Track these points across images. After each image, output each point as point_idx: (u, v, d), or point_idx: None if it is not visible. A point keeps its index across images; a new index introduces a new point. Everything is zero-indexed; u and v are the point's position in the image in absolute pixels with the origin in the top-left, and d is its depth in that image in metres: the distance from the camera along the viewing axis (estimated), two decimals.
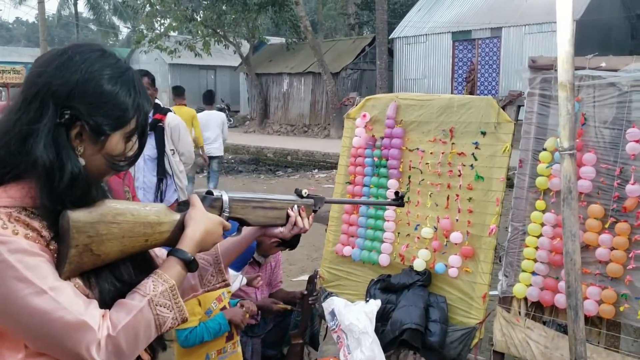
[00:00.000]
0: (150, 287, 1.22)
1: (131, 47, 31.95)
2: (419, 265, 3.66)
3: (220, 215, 1.41)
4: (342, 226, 4.12)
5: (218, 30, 22.14)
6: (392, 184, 3.90)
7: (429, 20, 19.45)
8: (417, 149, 3.82)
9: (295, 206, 1.58)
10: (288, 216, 1.57)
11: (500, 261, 3.41)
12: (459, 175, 3.60)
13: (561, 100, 1.90)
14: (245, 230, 1.56)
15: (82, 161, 1.21)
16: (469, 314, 3.46)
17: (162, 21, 24.28)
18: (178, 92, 8.17)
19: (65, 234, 1.18)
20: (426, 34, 19.48)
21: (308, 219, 1.61)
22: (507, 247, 3.34)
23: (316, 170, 13.91)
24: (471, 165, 3.57)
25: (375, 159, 4.01)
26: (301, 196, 1.61)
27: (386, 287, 3.69)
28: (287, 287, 4.37)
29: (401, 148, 3.88)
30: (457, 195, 3.60)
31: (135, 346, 1.18)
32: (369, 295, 3.73)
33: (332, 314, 3.38)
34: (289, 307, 3.51)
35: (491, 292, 3.48)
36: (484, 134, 3.54)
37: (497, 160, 3.47)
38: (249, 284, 3.28)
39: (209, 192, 1.43)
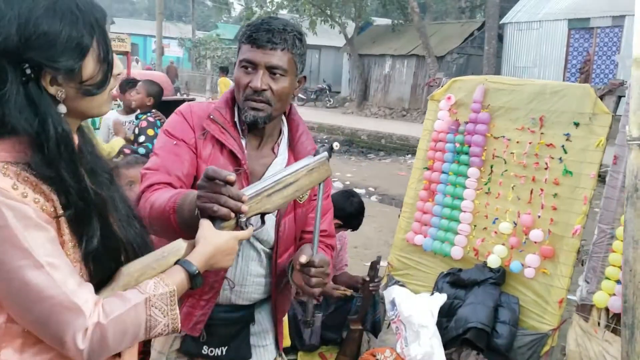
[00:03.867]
0: (151, 287, 1.16)
1: (241, 24, 32.76)
2: (493, 261, 3.42)
3: (237, 222, 1.34)
4: (416, 213, 3.92)
5: (326, 10, 22.11)
6: (473, 172, 3.65)
7: (545, 6, 18.38)
8: (503, 136, 3.55)
9: None
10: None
11: (582, 265, 3.11)
12: (546, 169, 3.31)
13: (634, 80, 1.61)
14: None
15: (63, 108, 1.13)
16: (543, 319, 3.19)
17: None
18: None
19: None
20: (540, 20, 18.43)
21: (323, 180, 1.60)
22: (591, 250, 3.03)
23: (409, 156, 13.56)
24: (560, 159, 3.26)
25: (457, 145, 3.77)
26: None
27: (455, 281, 3.48)
28: (361, 271, 4.23)
29: (486, 135, 3.62)
30: (542, 190, 3.31)
31: (120, 341, 1.12)
32: (436, 288, 3.54)
33: (393, 303, 3.24)
34: (349, 292, 3.40)
35: (570, 297, 3.19)
36: (577, 125, 3.22)
37: (589, 155, 3.15)
38: None
39: None
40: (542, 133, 3.37)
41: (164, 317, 1.16)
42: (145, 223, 1.37)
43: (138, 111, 5.06)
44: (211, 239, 1.29)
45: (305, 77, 1.82)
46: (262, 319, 1.95)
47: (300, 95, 25.66)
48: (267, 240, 1.83)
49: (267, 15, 1.99)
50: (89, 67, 1.15)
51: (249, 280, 1.85)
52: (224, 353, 1.86)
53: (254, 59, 1.68)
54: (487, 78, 3.77)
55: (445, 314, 3.31)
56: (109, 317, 1.09)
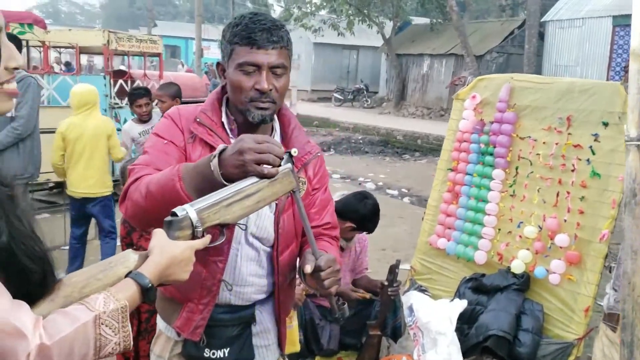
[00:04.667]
0: (101, 303, 1.06)
1: None
2: (517, 267, 3.30)
3: (193, 233, 1.27)
4: (439, 216, 3.83)
5: (364, 10, 22.00)
6: (498, 174, 3.54)
7: (588, 3, 17.85)
8: (529, 137, 3.43)
9: None
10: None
11: (610, 272, 2.96)
12: (573, 170, 3.18)
13: (632, 74, 1.48)
14: None
15: None
16: (568, 328, 3.05)
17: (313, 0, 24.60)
18: None
19: None
20: (583, 18, 17.91)
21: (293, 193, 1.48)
22: (619, 256, 2.88)
23: None
24: (587, 160, 3.13)
25: (482, 146, 3.67)
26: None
27: (478, 287, 3.37)
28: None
29: (511, 135, 3.50)
30: (568, 193, 3.18)
31: None
32: (458, 294, 3.43)
33: (411, 309, 3.15)
34: (368, 295, 3.32)
35: (599, 302, 3.04)
36: (605, 125, 3.08)
37: (618, 157, 3.00)
38: None
39: (174, 214, 1.28)
40: (569, 133, 3.24)
41: (115, 335, 1.06)
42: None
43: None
44: (166, 249, 1.20)
45: None
46: (264, 319, 1.91)
47: (337, 95, 25.58)
48: (267, 238, 1.79)
49: (251, 13, 1.94)
50: None
51: (248, 280, 1.81)
52: (226, 355, 1.82)
53: (256, 61, 1.66)
54: (512, 76, 3.64)
55: (466, 321, 3.21)
56: (54, 339, 0.97)
